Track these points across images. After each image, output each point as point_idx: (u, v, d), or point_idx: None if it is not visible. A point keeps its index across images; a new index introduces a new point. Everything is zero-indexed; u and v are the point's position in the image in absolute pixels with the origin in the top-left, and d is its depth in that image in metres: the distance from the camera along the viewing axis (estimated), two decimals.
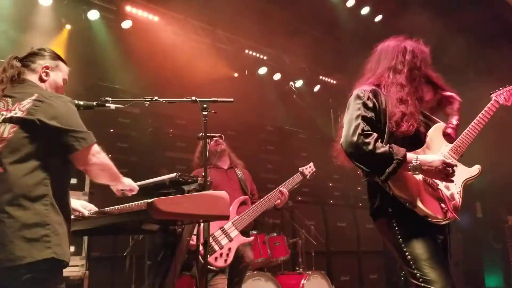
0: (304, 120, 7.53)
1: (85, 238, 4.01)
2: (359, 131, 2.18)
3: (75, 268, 3.75)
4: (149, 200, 2.01)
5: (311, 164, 4.44)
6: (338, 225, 6.92)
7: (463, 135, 2.38)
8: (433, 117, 2.47)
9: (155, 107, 3.62)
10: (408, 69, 2.38)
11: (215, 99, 2.67)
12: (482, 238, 8.25)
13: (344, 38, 6.89)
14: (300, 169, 4.35)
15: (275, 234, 5.00)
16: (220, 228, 3.59)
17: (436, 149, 2.34)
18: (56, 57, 2.24)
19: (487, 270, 8.38)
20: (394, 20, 6.36)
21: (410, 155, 2.17)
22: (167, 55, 6.13)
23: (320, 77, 7.77)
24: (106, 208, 2.34)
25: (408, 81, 2.35)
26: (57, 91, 2.17)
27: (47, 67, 2.16)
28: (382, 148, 2.16)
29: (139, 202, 2.14)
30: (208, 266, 3.30)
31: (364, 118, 2.23)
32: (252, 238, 3.81)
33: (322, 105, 7.91)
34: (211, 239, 3.43)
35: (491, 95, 2.50)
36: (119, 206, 2.29)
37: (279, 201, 3.87)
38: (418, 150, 2.29)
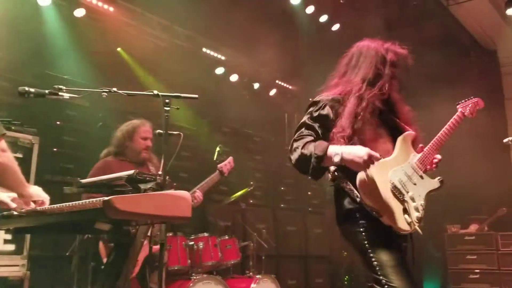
0: (259, 123, 7.49)
1: (27, 236, 3.73)
2: (294, 137, 2.21)
3: (15, 268, 3.46)
4: (106, 198, 1.86)
5: (230, 159, 4.34)
6: (288, 229, 6.93)
7: (430, 145, 2.40)
8: (403, 124, 2.45)
9: (106, 101, 3.44)
10: (382, 79, 2.33)
11: (179, 94, 2.55)
12: (422, 246, 8.54)
13: (302, 44, 6.92)
14: (219, 166, 4.22)
15: (226, 237, 4.90)
16: None
17: (403, 158, 2.34)
18: None
19: (426, 278, 8.67)
20: (351, 31, 6.46)
21: (332, 149, 2.12)
22: (121, 48, 5.89)
23: (277, 81, 7.76)
24: (55, 205, 2.16)
25: (379, 93, 2.30)
26: None
27: None
28: (307, 148, 2.16)
29: (93, 199, 1.98)
30: None
31: (307, 127, 2.24)
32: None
33: (277, 109, 7.90)
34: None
35: (458, 106, 2.54)
36: (69, 203, 2.11)
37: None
38: (386, 159, 2.26)
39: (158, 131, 2.63)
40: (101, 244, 3.68)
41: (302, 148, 2.17)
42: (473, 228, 7.21)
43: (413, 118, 2.48)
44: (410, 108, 2.50)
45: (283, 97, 7.91)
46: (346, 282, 7.33)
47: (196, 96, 2.59)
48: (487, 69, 7.73)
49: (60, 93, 2.37)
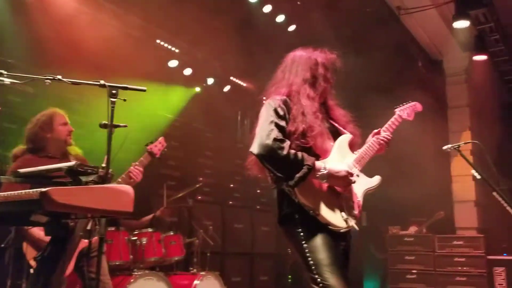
0: (212, 119, 7.45)
1: None
2: (273, 136, 2.23)
3: None
4: (43, 189, 1.79)
5: (161, 139, 4.05)
6: (235, 227, 6.95)
7: (367, 147, 2.49)
8: (340, 127, 2.55)
9: (52, 88, 3.30)
10: (319, 81, 2.47)
11: (126, 86, 2.49)
12: (365, 246, 8.81)
13: (259, 43, 6.94)
14: (148, 147, 3.93)
15: (171, 233, 4.86)
16: None
17: (341, 159, 2.42)
18: None
19: (366, 277, 8.96)
20: (306, 33, 6.55)
21: (318, 163, 2.27)
22: (72, 35, 5.68)
23: (231, 78, 7.74)
24: None
25: (317, 94, 2.45)
26: None
27: None
28: (294, 154, 2.23)
29: (29, 190, 1.90)
30: None
31: (277, 125, 2.28)
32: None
33: (231, 106, 7.89)
34: None
35: (395, 110, 2.65)
36: (4, 193, 2.02)
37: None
38: (325, 159, 2.36)
39: (102, 122, 2.54)
40: (25, 245, 3.50)
41: (289, 152, 2.21)
42: (412, 229, 7.51)
43: (349, 120, 2.59)
44: (345, 112, 2.64)
45: (237, 94, 7.91)
46: (290, 281, 7.44)
47: (145, 88, 2.54)
48: (433, 79, 8.07)
49: (0, 78, 2.26)
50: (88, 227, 2.53)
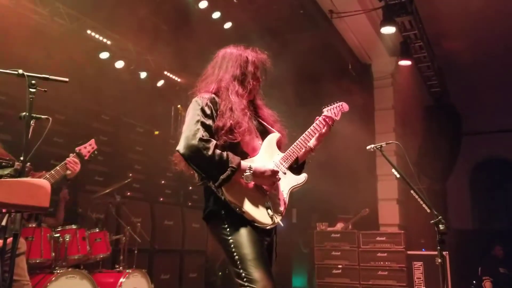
0: (143, 114, 7.30)
1: None
2: (199, 135, 2.25)
3: None
4: None
5: (92, 141, 4.09)
6: (165, 223, 6.86)
7: (294, 145, 2.57)
8: (269, 126, 2.61)
9: None
10: (248, 79, 2.52)
11: (47, 76, 2.39)
12: (294, 242, 9.05)
13: (193, 38, 6.89)
14: (77, 148, 3.98)
15: (97, 230, 4.73)
16: None
17: (268, 157, 2.48)
18: None
19: (295, 272, 9.21)
20: (241, 30, 6.60)
21: (244, 164, 2.29)
22: None
23: (165, 72, 7.63)
24: None
25: (246, 91, 2.49)
26: None
27: None
28: (220, 155, 2.24)
29: None
30: None
31: (203, 124, 2.30)
32: None
33: (164, 101, 7.77)
34: None
35: (323, 109, 2.74)
36: None
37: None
38: (253, 158, 2.40)
39: (22, 114, 2.42)
40: None
41: (214, 153, 2.21)
42: (339, 226, 7.80)
43: (276, 120, 2.66)
44: (273, 111, 2.71)
45: (171, 89, 7.80)
46: (219, 278, 7.46)
47: (66, 79, 2.45)
48: (362, 81, 8.42)
49: None
50: (3, 223, 2.41)
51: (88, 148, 4.01)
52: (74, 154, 3.89)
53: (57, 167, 3.70)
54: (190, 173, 2.46)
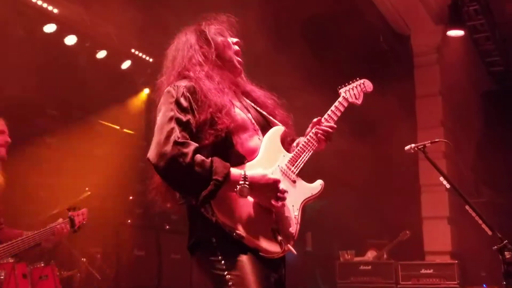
0: (103, 107, 7.31)
1: None
2: (173, 138, 2.21)
3: None
4: None
5: (84, 210, 4.43)
6: (134, 254, 6.86)
7: (304, 143, 2.52)
8: (271, 118, 2.57)
9: None
10: (223, 56, 2.61)
11: None
12: (309, 276, 9.01)
13: (171, 4, 6.88)
14: (70, 213, 4.33)
15: (42, 264, 4.70)
16: None
17: (272, 160, 2.44)
18: None
19: None
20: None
21: (235, 173, 2.24)
22: None
23: (133, 50, 7.63)
24: None
25: (217, 70, 2.54)
26: None
27: None
28: (201, 162, 2.20)
29: None
30: None
31: (178, 122, 2.28)
32: None
33: (132, 87, 7.77)
34: None
35: (339, 90, 2.70)
36: None
37: None
38: (252, 162, 2.36)
39: None
40: None
41: (194, 160, 2.18)
42: (370, 255, 7.77)
43: (276, 103, 2.69)
44: (269, 92, 2.73)
45: (140, 72, 7.80)
46: None
47: None
48: (398, 59, 8.40)
49: None
50: None
51: (80, 217, 4.32)
52: (67, 219, 4.16)
53: (41, 229, 3.96)
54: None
